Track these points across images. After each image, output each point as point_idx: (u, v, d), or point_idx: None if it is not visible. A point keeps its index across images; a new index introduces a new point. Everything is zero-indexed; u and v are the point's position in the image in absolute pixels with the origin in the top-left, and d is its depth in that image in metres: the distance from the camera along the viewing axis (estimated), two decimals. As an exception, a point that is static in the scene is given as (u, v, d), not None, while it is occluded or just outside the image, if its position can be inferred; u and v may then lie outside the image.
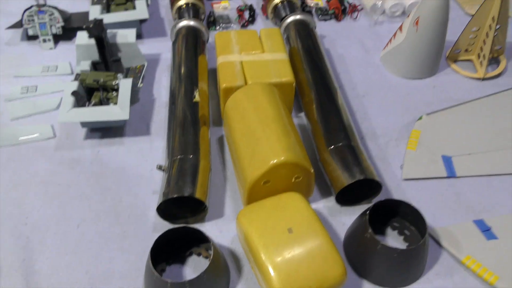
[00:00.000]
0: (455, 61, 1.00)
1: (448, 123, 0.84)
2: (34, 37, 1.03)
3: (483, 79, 0.95)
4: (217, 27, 1.06)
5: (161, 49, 1.01)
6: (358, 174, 0.67)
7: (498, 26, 0.90)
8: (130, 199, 0.72)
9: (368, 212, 0.62)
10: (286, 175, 0.64)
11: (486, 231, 0.68)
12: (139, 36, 1.04)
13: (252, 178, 0.63)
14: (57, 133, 0.83)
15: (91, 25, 0.83)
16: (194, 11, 0.98)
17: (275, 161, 0.62)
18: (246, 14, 1.10)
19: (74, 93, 0.79)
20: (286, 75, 0.79)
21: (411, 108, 0.89)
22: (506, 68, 0.98)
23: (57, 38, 1.03)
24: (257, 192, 0.64)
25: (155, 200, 0.69)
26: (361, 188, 0.72)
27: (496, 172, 0.77)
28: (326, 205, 0.72)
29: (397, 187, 0.75)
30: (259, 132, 0.66)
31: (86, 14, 1.01)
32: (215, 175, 0.76)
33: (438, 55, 0.94)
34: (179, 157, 0.69)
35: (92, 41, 0.86)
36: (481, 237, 0.68)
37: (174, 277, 0.63)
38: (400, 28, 0.94)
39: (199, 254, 0.65)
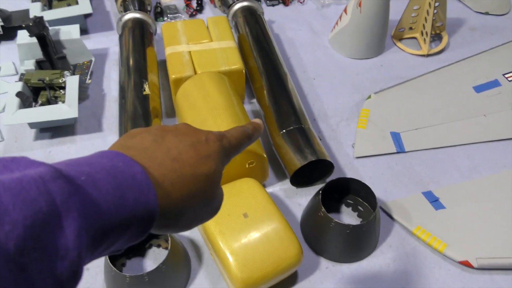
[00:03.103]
0: (400, 39, 1.03)
1: (396, 100, 0.87)
2: (-27, 39, 0.99)
3: (428, 55, 0.98)
4: (165, 18, 1.05)
5: (108, 43, 0.99)
6: (309, 155, 0.68)
7: (437, 4, 0.93)
8: (85, 197, 0.71)
9: (320, 191, 0.64)
10: (239, 161, 0.65)
11: (435, 201, 0.72)
12: (84, 31, 1.01)
13: (205, 167, 0.63)
14: (4, 137, 0.80)
15: (31, 23, 0.80)
16: (139, 2, 0.96)
17: (226, 148, 0.62)
18: (194, 3, 1.09)
19: (18, 94, 0.77)
20: (235, 63, 0.79)
21: (360, 88, 0.91)
22: (448, 43, 1.02)
23: (-2, 38, 0.99)
24: (212, 180, 0.65)
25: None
26: (315, 169, 0.74)
27: (442, 144, 0.80)
28: (282, 188, 0.73)
29: (349, 165, 0.77)
30: (209, 121, 0.66)
31: (26, 11, 0.98)
32: (171, 167, 0.76)
33: (383, 34, 0.96)
34: (131, 151, 0.69)
35: (34, 40, 0.84)
36: (430, 208, 0.71)
37: (134, 271, 0.63)
38: (345, 10, 0.96)
39: (158, 246, 0.65)
